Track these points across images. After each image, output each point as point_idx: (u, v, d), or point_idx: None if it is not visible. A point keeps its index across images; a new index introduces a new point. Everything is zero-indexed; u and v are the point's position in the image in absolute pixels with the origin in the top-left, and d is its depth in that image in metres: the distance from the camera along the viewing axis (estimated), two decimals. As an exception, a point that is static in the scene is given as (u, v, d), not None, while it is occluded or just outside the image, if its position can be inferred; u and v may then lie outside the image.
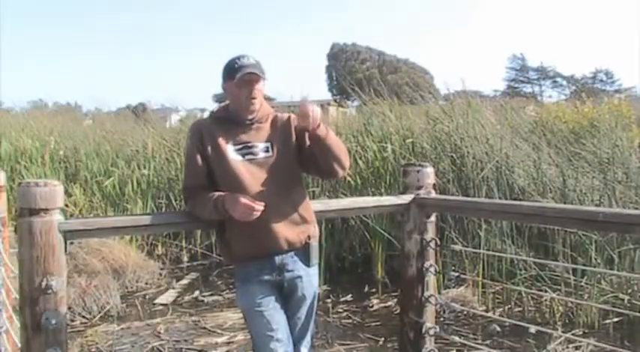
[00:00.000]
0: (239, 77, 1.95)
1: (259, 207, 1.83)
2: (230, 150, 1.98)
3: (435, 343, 2.36)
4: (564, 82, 38.92)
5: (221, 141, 1.99)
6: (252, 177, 1.96)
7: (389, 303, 5.05)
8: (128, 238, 6.22)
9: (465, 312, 4.47)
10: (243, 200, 1.83)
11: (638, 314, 4.07)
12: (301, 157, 2.06)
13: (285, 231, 1.97)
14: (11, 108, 15.57)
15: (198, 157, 1.99)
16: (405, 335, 2.37)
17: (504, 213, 2.41)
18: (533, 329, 3.82)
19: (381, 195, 5.40)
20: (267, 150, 2.02)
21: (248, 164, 1.98)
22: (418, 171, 2.38)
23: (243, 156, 1.99)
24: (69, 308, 4.50)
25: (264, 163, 2.00)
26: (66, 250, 1.74)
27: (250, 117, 2.02)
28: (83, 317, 4.68)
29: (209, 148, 1.98)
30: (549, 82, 39.92)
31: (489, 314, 4.46)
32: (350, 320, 4.68)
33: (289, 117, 2.09)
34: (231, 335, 4.25)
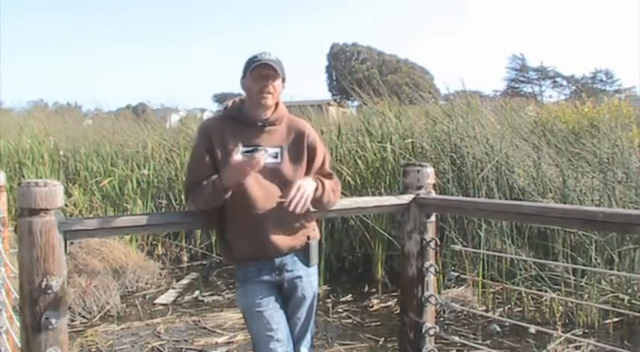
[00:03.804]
0: (252, 68, 1.92)
1: (254, 161, 1.79)
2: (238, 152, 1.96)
3: (435, 343, 2.36)
4: (564, 82, 38.87)
5: (230, 142, 1.94)
6: (257, 182, 1.93)
7: (389, 303, 5.05)
8: (128, 238, 6.22)
9: (465, 312, 4.47)
10: (235, 158, 1.79)
11: (638, 314, 4.07)
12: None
13: (286, 238, 1.97)
14: (11, 108, 15.58)
15: (206, 157, 1.95)
16: (405, 335, 2.36)
17: (504, 213, 2.40)
18: (533, 329, 3.81)
19: (381, 195, 5.40)
20: (276, 156, 1.99)
21: None
22: (418, 171, 2.38)
23: None
24: (69, 308, 4.50)
25: (272, 169, 1.97)
26: (66, 250, 1.73)
27: (263, 117, 1.98)
28: (83, 317, 4.69)
29: (217, 150, 1.95)
30: (549, 82, 39.86)
31: (489, 314, 4.46)
32: (350, 320, 4.68)
33: (305, 132, 2.05)
34: (231, 335, 4.25)
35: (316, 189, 1.95)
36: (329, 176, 2.09)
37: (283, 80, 2.00)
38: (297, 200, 1.86)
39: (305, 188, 1.89)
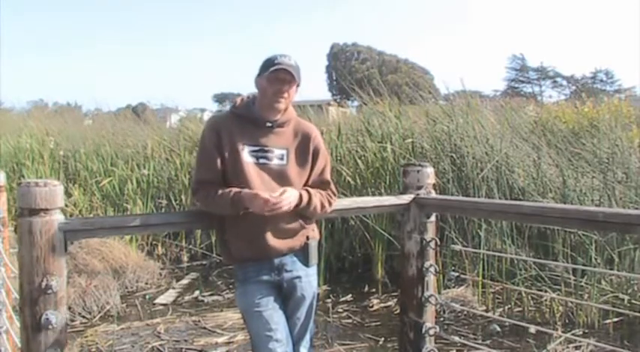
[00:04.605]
0: (271, 71, 1.92)
1: (277, 200, 1.81)
2: (245, 151, 1.95)
3: (435, 343, 2.36)
4: (564, 82, 38.85)
5: (238, 141, 1.95)
6: (262, 182, 1.93)
7: (389, 303, 5.05)
8: (128, 238, 6.22)
9: (465, 312, 4.47)
10: (262, 195, 1.81)
11: (638, 314, 4.07)
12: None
13: (284, 240, 1.97)
14: (11, 108, 15.60)
15: (215, 151, 1.94)
16: (405, 335, 2.36)
17: (504, 213, 2.40)
18: (533, 329, 3.81)
19: (381, 195, 5.40)
20: (281, 158, 1.99)
21: (260, 168, 1.96)
22: (418, 171, 2.38)
23: (257, 159, 1.96)
24: (69, 308, 4.50)
25: (277, 170, 1.97)
26: (66, 250, 1.73)
27: (273, 118, 1.99)
28: (83, 317, 4.68)
29: (225, 148, 1.94)
30: (549, 82, 39.84)
31: (489, 314, 4.46)
32: (350, 320, 4.68)
33: (312, 136, 2.06)
34: (231, 335, 4.25)
35: (298, 204, 1.93)
36: (326, 184, 2.09)
37: (297, 85, 2.00)
38: (275, 203, 1.84)
39: (289, 198, 1.87)
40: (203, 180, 1.95)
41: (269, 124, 1.99)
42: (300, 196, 1.94)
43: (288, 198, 1.87)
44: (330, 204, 2.07)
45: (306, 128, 2.08)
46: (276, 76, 1.92)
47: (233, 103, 2.07)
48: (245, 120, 2.00)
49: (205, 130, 2.02)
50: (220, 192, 1.89)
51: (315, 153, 2.06)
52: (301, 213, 1.97)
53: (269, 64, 1.94)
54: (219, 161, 1.94)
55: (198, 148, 2.06)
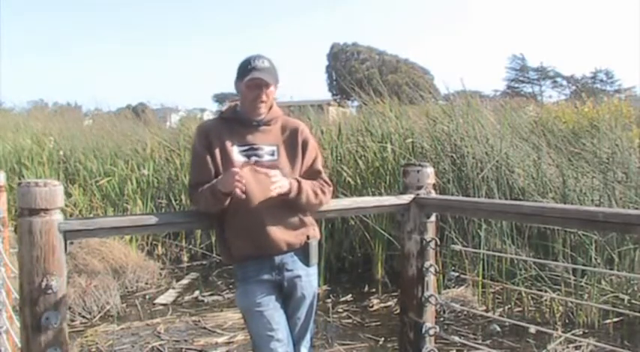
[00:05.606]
0: (247, 80, 1.97)
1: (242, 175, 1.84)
2: (235, 151, 1.99)
3: (435, 343, 2.36)
4: (564, 82, 38.80)
5: (227, 142, 1.99)
6: (256, 179, 1.94)
7: (389, 303, 5.05)
8: (128, 238, 6.22)
9: (465, 312, 4.47)
10: (230, 170, 1.85)
11: (638, 314, 4.07)
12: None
13: (284, 234, 1.98)
14: (11, 108, 15.61)
15: (207, 157, 1.98)
16: (405, 335, 2.36)
17: (504, 213, 2.40)
18: (533, 329, 3.82)
19: (381, 195, 5.40)
20: (272, 154, 2.02)
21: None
22: (418, 171, 2.37)
23: (248, 157, 1.99)
24: (69, 308, 4.50)
25: (268, 167, 1.98)
26: (66, 250, 1.73)
27: (258, 118, 2.03)
28: (83, 317, 4.69)
29: (215, 149, 1.98)
30: (549, 82, 39.80)
31: (489, 314, 4.46)
32: (350, 320, 4.68)
33: (299, 129, 2.09)
34: (231, 335, 4.25)
35: (289, 193, 1.93)
36: (317, 173, 2.10)
37: (277, 83, 2.04)
38: (273, 181, 1.87)
39: (280, 181, 1.90)
40: (197, 182, 1.99)
41: (255, 123, 2.03)
42: (290, 184, 1.94)
43: (277, 175, 1.90)
44: (323, 192, 2.06)
45: (293, 123, 2.12)
46: (253, 82, 1.98)
47: (220, 111, 2.15)
48: (232, 122, 2.05)
49: (195, 136, 2.08)
50: (205, 187, 1.92)
51: (305, 145, 2.08)
52: (295, 203, 1.97)
53: (245, 69, 1.99)
54: (211, 163, 1.98)
55: (190, 154, 2.11)
